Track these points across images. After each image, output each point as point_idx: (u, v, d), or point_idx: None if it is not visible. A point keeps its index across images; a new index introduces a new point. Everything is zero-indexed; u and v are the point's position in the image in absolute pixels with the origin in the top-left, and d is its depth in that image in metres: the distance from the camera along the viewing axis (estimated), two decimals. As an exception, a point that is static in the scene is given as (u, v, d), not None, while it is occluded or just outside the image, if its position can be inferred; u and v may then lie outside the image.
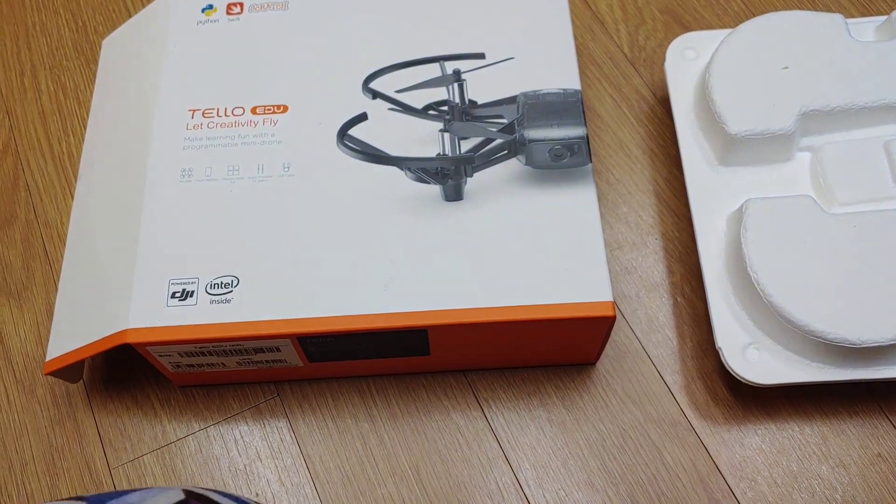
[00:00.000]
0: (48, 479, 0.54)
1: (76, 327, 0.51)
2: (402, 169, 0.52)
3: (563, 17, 0.57)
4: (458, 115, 0.54)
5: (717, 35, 0.61)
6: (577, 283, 0.49)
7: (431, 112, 0.54)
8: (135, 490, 0.39)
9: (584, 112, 0.53)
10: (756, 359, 0.51)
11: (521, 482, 0.52)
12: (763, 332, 0.51)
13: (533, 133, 0.53)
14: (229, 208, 0.52)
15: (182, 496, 0.39)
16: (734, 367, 0.51)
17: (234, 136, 0.54)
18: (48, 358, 0.52)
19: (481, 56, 0.56)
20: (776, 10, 0.68)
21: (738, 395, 0.54)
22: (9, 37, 0.70)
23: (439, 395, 0.55)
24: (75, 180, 0.63)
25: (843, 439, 0.53)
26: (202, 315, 0.49)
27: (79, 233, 0.55)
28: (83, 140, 0.65)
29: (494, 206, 0.51)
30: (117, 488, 0.54)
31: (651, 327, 0.56)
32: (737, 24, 0.67)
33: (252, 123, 0.54)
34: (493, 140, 0.53)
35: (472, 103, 0.54)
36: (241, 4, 0.59)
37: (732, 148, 0.55)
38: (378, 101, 0.55)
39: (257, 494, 0.53)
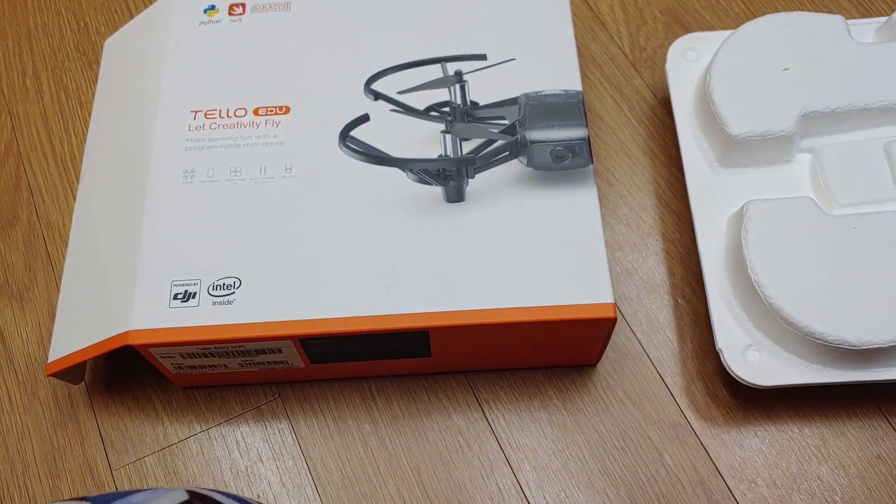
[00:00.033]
0: (50, 480, 0.54)
1: (78, 329, 0.51)
2: (403, 170, 0.52)
3: (564, 18, 0.57)
4: (459, 116, 0.54)
5: (718, 36, 0.61)
6: (578, 285, 0.49)
7: (433, 113, 0.54)
8: (139, 490, 0.39)
9: (585, 113, 0.53)
10: (756, 360, 0.51)
11: (521, 484, 0.53)
12: (763, 333, 0.51)
13: (534, 134, 0.53)
14: (231, 210, 0.52)
15: (186, 496, 0.39)
16: (734, 369, 0.51)
17: (236, 138, 0.54)
18: (50, 359, 0.52)
19: (483, 57, 0.56)
20: (777, 11, 0.68)
21: (738, 396, 0.54)
22: (10, 37, 0.70)
23: (440, 396, 0.55)
24: (77, 181, 0.63)
25: (843, 441, 0.53)
26: (204, 316, 0.49)
27: (81, 234, 0.55)
28: (85, 141, 0.65)
29: (496, 208, 0.51)
30: (119, 489, 0.54)
31: (651, 329, 0.57)
32: (737, 26, 0.67)
33: (254, 125, 0.54)
34: (494, 141, 0.53)
35: (474, 104, 0.54)
36: (244, 5, 0.59)
37: (733, 149, 0.55)
38: (380, 102, 0.55)
39: (259, 496, 0.53)
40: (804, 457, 0.52)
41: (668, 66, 0.61)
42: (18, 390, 0.57)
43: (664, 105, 0.64)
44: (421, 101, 0.55)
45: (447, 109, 0.54)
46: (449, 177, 0.52)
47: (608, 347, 0.56)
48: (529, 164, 0.52)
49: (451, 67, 0.56)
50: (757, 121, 0.55)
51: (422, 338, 0.50)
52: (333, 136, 0.54)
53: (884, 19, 0.60)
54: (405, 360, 0.53)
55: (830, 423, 0.53)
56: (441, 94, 0.55)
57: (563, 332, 0.50)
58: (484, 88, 0.55)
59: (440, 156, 0.53)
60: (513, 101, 0.54)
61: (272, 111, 0.55)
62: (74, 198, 0.63)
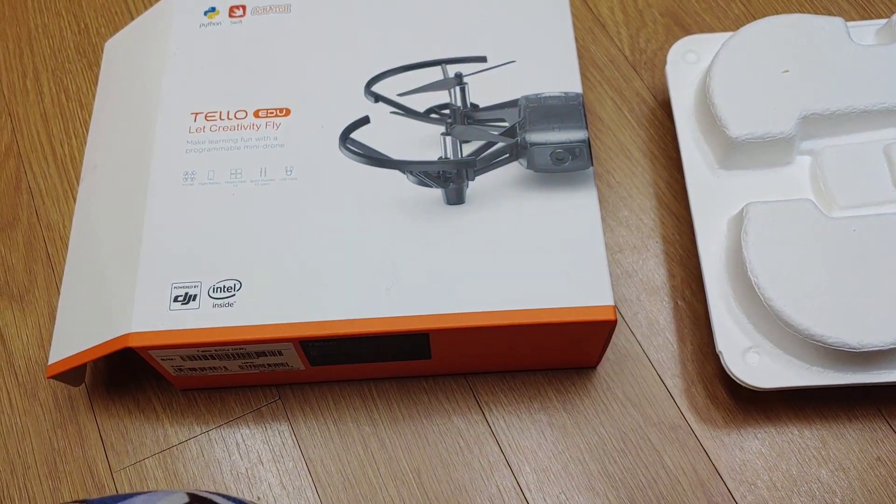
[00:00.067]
0: (50, 482, 0.54)
1: (79, 331, 0.51)
2: (403, 172, 0.52)
3: (564, 20, 0.57)
4: (459, 118, 0.54)
5: (718, 38, 0.61)
6: (578, 287, 0.49)
7: (433, 115, 0.54)
8: (139, 493, 0.39)
9: (585, 116, 0.54)
10: (756, 363, 0.51)
11: (521, 486, 0.53)
12: (763, 335, 0.52)
13: (534, 136, 0.53)
14: (232, 212, 0.52)
15: (186, 499, 0.39)
16: (734, 371, 0.51)
17: (236, 140, 0.54)
18: (50, 361, 0.52)
19: (483, 59, 0.56)
20: (777, 13, 0.68)
21: (738, 398, 0.54)
22: (11, 39, 0.70)
23: (440, 398, 0.55)
24: (77, 183, 0.63)
25: (843, 443, 0.53)
26: (205, 319, 0.49)
27: (81, 236, 0.55)
28: (85, 142, 0.65)
29: (496, 210, 0.51)
30: (119, 492, 0.54)
31: (651, 331, 0.57)
32: (737, 28, 0.67)
33: (254, 127, 0.54)
34: (494, 143, 0.53)
35: (474, 107, 0.54)
36: (244, 7, 0.59)
37: (733, 151, 0.55)
38: (380, 104, 0.55)
39: (259, 498, 0.53)
40: (804, 459, 0.52)
41: (668, 68, 0.61)
42: (18, 392, 0.57)
43: (664, 107, 0.64)
44: (421, 103, 0.55)
45: (447, 111, 0.54)
46: (449, 179, 0.52)
47: (608, 349, 0.56)
48: (529, 166, 0.52)
49: (452, 69, 0.56)
50: (757, 123, 0.55)
51: (422, 340, 0.50)
52: (334, 138, 0.54)
53: (883, 21, 0.60)
54: (405, 362, 0.53)
55: (830, 426, 0.53)
56: (441, 97, 0.55)
57: (563, 334, 0.50)
58: (484, 90, 0.55)
59: (440, 158, 0.53)
60: (513, 104, 0.54)
61: (272, 113, 0.55)
62: (75, 199, 0.63)
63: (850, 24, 0.60)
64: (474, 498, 0.52)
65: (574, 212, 0.51)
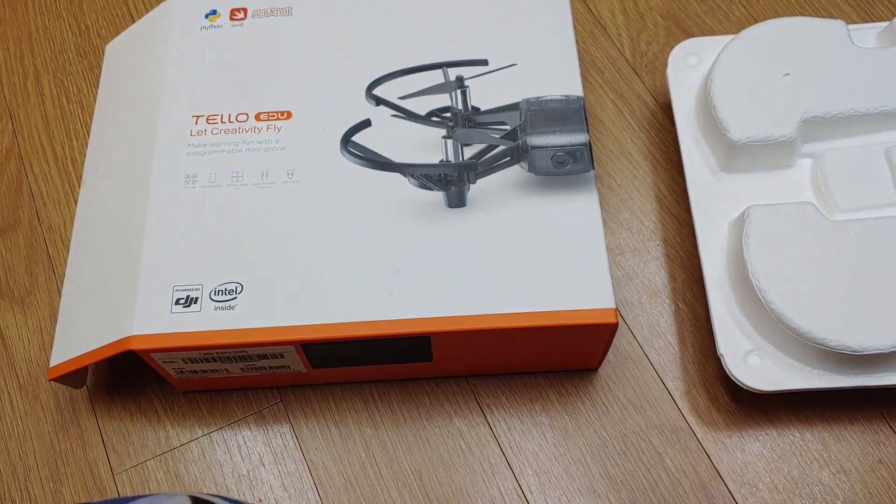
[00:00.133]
0: (52, 484, 0.54)
1: (80, 333, 0.51)
2: (405, 175, 0.52)
3: (565, 23, 0.57)
4: (460, 121, 0.54)
5: (719, 41, 0.61)
6: (580, 290, 0.49)
7: (434, 118, 0.54)
8: (141, 496, 0.39)
9: (586, 118, 0.54)
10: (757, 365, 0.51)
11: (523, 488, 0.53)
12: (764, 338, 0.52)
13: (535, 140, 0.53)
14: (233, 215, 0.52)
15: (188, 502, 0.39)
16: (735, 374, 0.51)
17: (237, 143, 0.54)
18: (52, 364, 0.52)
19: (484, 62, 0.56)
20: (778, 16, 0.68)
21: (739, 401, 0.54)
22: (12, 41, 0.70)
23: (442, 401, 0.55)
24: (78, 185, 0.63)
25: (844, 445, 0.53)
26: (206, 322, 0.49)
27: (83, 238, 0.55)
28: (86, 145, 0.65)
29: (497, 213, 0.51)
30: (121, 494, 0.54)
31: (653, 333, 0.57)
32: (738, 31, 0.67)
33: (256, 130, 0.54)
34: (495, 147, 0.53)
35: (475, 110, 0.54)
36: (245, 10, 0.59)
37: (734, 154, 0.55)
38: (381, 107, 0.55)
39: (260, 500, 0.53)
40: (806, 461, 0.52)
41: (669, 70, 0.61)
42: (20, 394, 0.57)
43: (665, 110, 0.64)
44: (422, 106, 0.55)
45: (448, 115, 0.54)
46: (450, 182, 0.52)
47: (609, 352, 0.56)
48: (531, 169, 0.52)
49: (453, 73, 0.56)
50: (758, 126, 0.55)
51: (423, 343, 0.50)
52: (335, 142, 0.54)
53: (885, 24, 0.60)
54: (407, 365, 0.53)
55: (832, 428, 0.53)
56: (442, 100, 0.55)
57: (564, 337, 0.50)
58: (485, 94, 0.55)
59: (441, 161, 0.53)
60: (514, 107, 0.54)
61: (274, 116, 0.55)
62: (76, 202, 0.63)
63: (851, 27, 0.60)
64: (475, 500, 0.52)
65: (575, 215, 0.51)
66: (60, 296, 0.59)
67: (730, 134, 0.55)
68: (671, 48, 0.66)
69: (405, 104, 0.55)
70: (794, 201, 0.54)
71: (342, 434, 0.55)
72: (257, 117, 0.55)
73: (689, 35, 0.67)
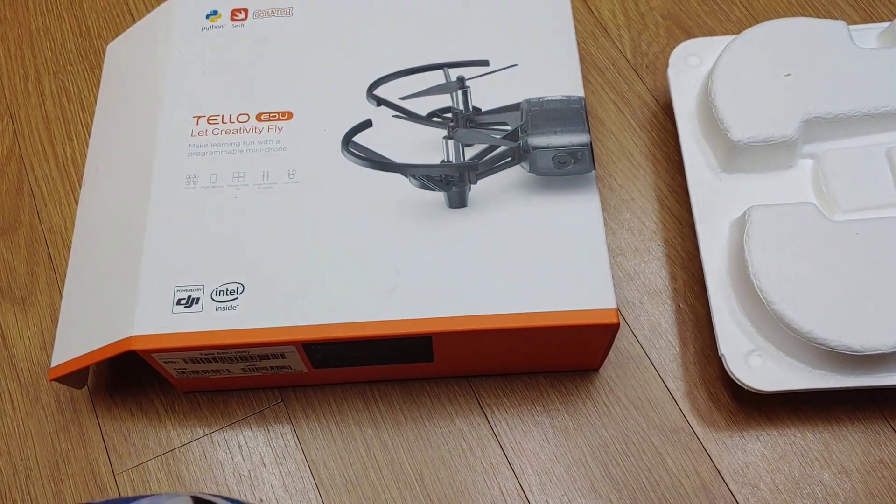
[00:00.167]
0: (53, 484, 0.54)
1: (81, 333, 0.51)
2: (406, 176, 0.52)
3: (566, 24, 0.57)
4: (462, 122, 0.54)
5: (720, 41, 0.61)
6: (581, 290, 0.49)
7: (435, 119, 0.54)
8: (142, 496, 0.39)
9: (587, 119, 0.54)
10: (759, 365, 0.51)
11: (524, 488, 0.53)
12: (766, 338, 0.52)
13: (536, 140, 0.53)
14: (234, 215, 0.52)
15: (190, 502, 0.39)
16: (737, 374, 0.51)
17: (238, 143, 0.54)
18: (53, 364, 0.52)
19: (485, 63, 0.56)
20: (778, 16, 0.68)
21: (740, 401, 0.54)
22: (12, 41, 0.70)
23: (443, 401, 0.55)
24: (79, 185, 0.63)
25: (846, 445, 0.53)
26: (208, 322, 0.49)
27: (84, 238, 0.55)
28: (87, 145, 0.65)
29: (498, 213, 0.51)
30: (122, 494, 0.54)
31: (654, 333, 0.57)
32: (739, 31, 0.67)
33: (257, 130, 0.54)
34: (496, 147, 0.53)
35: (476, 110, 0.54)
36: (246, 10, 0.59)
37: (735, 154, 0.55)
38: (382, 108, 0.55)
39: (261, 500, 0.53)
40: (807, 461, 0.52)
41: (670, 71, 0.61)
42: (21, 394, 0.57)
43: (666, 110, 0.64)
44: (423, 106, 0.55)
45: (449, 115, 0.54)
46: (451, 182, 0.52)
47: (610, 352, 0.56)
48: (532, 169, 0.52)
49: (454, 73, 0.56)
50: (759, 126, 0.55)
51: (425, 343, 0.50)
52: (336, 142, 0.54)
53: (885, 25, 0.60)
54: (408, 365, 0.53)
55: (833, 428, 0.53)
56: (443, 100, 0.55)
57: (565, 337, 0.50)
58: (486, 94, 0.55)
59: (442, 161, 0.53)
60: (515, 107, 0.54)
61: (275, 116, 0.55)
62: (76, 202, 0.63)
63: (852, 27, 0.60)
64: (477, 500, 0.52)
65: (576, 215, 0.51)
66: (61, 296, 0.59)
67: (731, 134, 0.55)
68: (672, 49, 0.66)
69: (406, 104, 0.55)
70: (796, 202, 0.54)
71: (343, 434, 0.55)
72: (258, 118, 0.55)
73: (690, 35, 0.67)
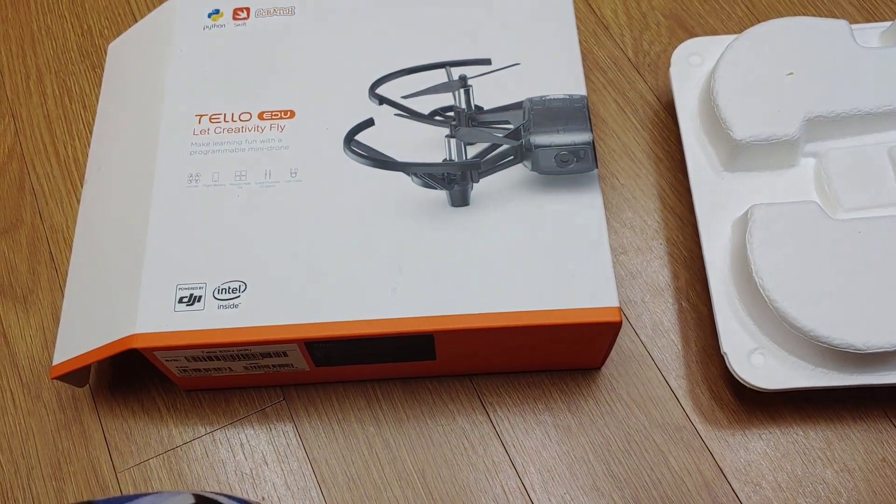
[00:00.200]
0: (54, 482, 0.54)
1: (83, 332, 0.51)
2: (408, 174, 0.52)
3: (568, 23, 0.57)
4: (464, 120, 0.54)
5: (722, 41, 0.61)
6: (583, 289, 0.49)
7: (438, 118, 0.54)
8: (145, 494, 0.39)
9: (589, 118, 0.54)
10: (761, 364, 0.51)
11: (526, 486, 0.53)
12: (768, 337, 0.52)
13: (539, 139, 0.53)
14: (237, 214, 0.52)
15: (192, 500, 0.39)
16: (739, 372, 0.51)
17: (241, 142, 0.54)
18: (55, 362, 0.52)
19: (487, 62, 0.56)
20: (780, 15, 0.68)
21: (742, 399, 0.54)
22: (14, 40, 0.70)
23: (445, 399, 0.55)
24: (81, 184, 0.63)
25: (848, 444, 0.53)
26: (210, 320, 0.49)
27: (85, 237, 0.55)
28: (89, 144, 0.65)
29: (500, 212, 0.51)
30: (123, 492, 0.54)
31: (656, 332, 0.57)
32: (741, 30, 0.67)
33: (259, 129, 0.54)
34: (499, 146, 0.53)
35: (479, 109, 0.54)
36: (248, 9, 0.59)
37: (737, 153, 0.55)
38: (384, 106, 0.55)
39: (263, 499, 0.53)
40: (809, 460, 0.52)
41: (672, 70, 0.61)
42: (22, 393, 0.57)
43: (668, 109, 0.64)
44: (426, 105, 0.55)
45: (452, 114, 0.54)
46: (454, 181, 0.52)
47: (612, 351, 0.56)
48: (534, 168, 0.52)
49: (456, 72, 0.56)
50: (761, 125, 0.55)
51: (427, 341, 0.50)
52: (338, 141, 0.54)
53: (888, 24, 0.60)
54: (410, 363, 0.53)
55: (835, 427, 0.53)
56: (446, 99, 0.55)
57: (568, 335, 0.50)
58: (488, 93, 0.55)
59: (445, 160, 0.53)
60: (517, 106, 0.54)
61: (277, 115, 0.55)
62: (78, 201, 0.63)
63: (854, 26, 0.60)
64: (479, 498, 0.52)
65: (579, 213, 0.51)
66: (63, 294, 0.59)
67: (733, 133, 0.55)
68: (674, 48, 0.66)
69: (408, 103, 0.55)
70: (798, 200, 0.54)
71: (345, 432, 0.55)
72: (260, 116, 0.55)
73: (692, 35, 0.67)
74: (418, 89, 0.55)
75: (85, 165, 0.64)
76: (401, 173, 0.53)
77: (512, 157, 0.53)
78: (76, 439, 0.55)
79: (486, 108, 0.54)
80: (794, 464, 0.52)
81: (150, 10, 0.71)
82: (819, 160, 0.56)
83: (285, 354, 0.51)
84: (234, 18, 0.59)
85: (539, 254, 0.50)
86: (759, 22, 0.67)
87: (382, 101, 0.55)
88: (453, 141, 0.53)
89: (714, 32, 0.67)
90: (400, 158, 0.53)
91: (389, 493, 0.53)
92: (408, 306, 0.49)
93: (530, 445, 0.54)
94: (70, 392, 0.56)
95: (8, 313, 0.59)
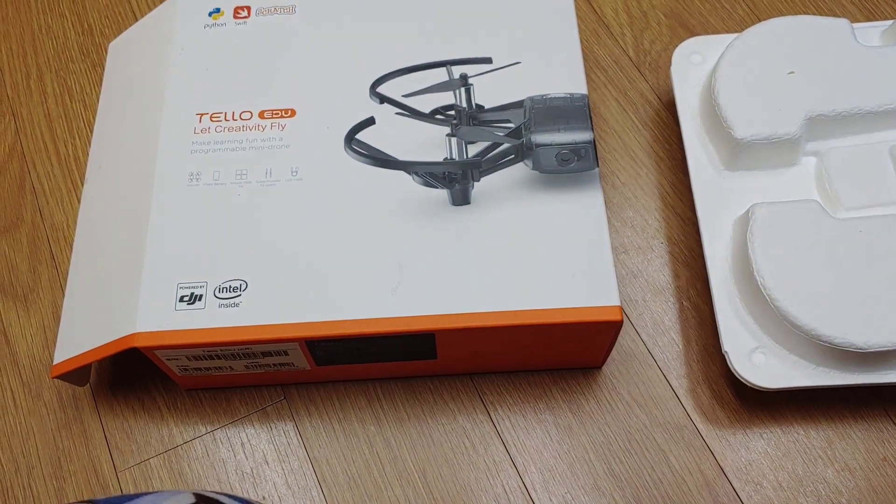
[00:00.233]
0: (55, 482, 0.54)
1: (84, 331, 0.51)
2: (409, 173, 0.52)
3: (569, 22, 0.57)
4: (465, 119, 0.54)
5: (723, 39, 0.61)
6: (585, 288, 0.49)
7: (438, 116, 0.54)
8: (145, 493, 0.39)
9: (590, 117, 0.54)
10: (762, 363, 0.51)
11: (527, 486, 0.53)
12: (769, 336, 0.51)
13: (540, 137, 0.53)
14: (237, 212, 0.52)
15: (193, 499, 0.39)
16: (740, 371, 0.51)
17: (241, 141, 0.54)
18: (56, 361, 0.52)
19: (488, 60, 0.56)
20: (781, 14, 0.68)
21: (743, 398, 0.54)
22: (15, 40, 0.70)
23: (446, 398, 0.55)
24: (81, 183, 0.63)
25: (849, 443, 0.53)
26: (210, 319, 0.49)
27: (86, 236, 0.55)
28: (89, 143, 0.65)
29: (501, 211, 0.51)
30: (124, 491, 0.54)
31: (657, 331, 0.57)
32: (741, 29, 0.67)
33: (260, 128, 0.54)
34: (499, 144, 0.53)
35: (479, 108, 0.54)
36: (248, 8, 0.59)
37: (738, 152, 0.55)
38: (385, 105, 0.55)
39: (264, 498, 0.53)
40: (810, 459, 0.52)
41: (673, 69, 0.61)
42: (23, 392, 0.57)
43: (669, 108, 0.64)
44: (426, 104, 0.55)
45: (452, 113, 0.54)
46: (454, 180, 0.52)
47: (613, 350, 0.56)
48: (535, 167, 0.52)
49: (457, 71, 0.56)
50: (762, 124, 0.55)
51: (427, 340, 0.50)
52: (339, 140, 0.54)
53: (889, 23, 0.60)
54: (411, 362, 0.53)
55: (836, 426, 0.53)
56: (446, 98, 0.55)
57: (569, 334, 0.50)
58: (489, 92, 0.55)
59: (445, 159, 0.53)
60: (518, 105, 0.54)
61: (278, 114, 0.55)
62: (78, 200, 0.63)
63: (855, 25, 0.60)
64: (480, 497, 0.52)
65: (579, 212, 0.51)
66: (63, 293, 0.59)
67: (734, 132, 0.55)
68: (674, 47, 0.66)
69: (409, 102, 0.55)
70: (799, 199, 0.54)
71: (346, 431, 0.54)
72: (261, 115, 0.55)
73: (693, 34, 0.67)
74: (419, 88, 0.55)
75: (85, 164, 0.64)
76: (402, 172, 0.53)
77: (513, 156, 0.53)
78: (76, 438, 0.55)
79: (486, 106, 0.54)
80: (795, 463, 0.52)
81: (150, 9, 0.71)
82: (820, 159, 0.56)
83: (286, 353, 0.50)
84: (235, 17, 0.59)
85: (540, 253, 0.50)
86: (760, 21, 0.67)
87: (383, 99, 0.55)
88: (454, 140, 0.53)
89: (715, 31, 0.67)
90: (401, 157, 0.53)
91: (390, 493, 0.53)
92: (409, 305, 0.49)
93: (531, 445, 0.54)
94: (70, 391, 0.56)
95: (8, 312, 0.59)
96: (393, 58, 0.57)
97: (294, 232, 0.51)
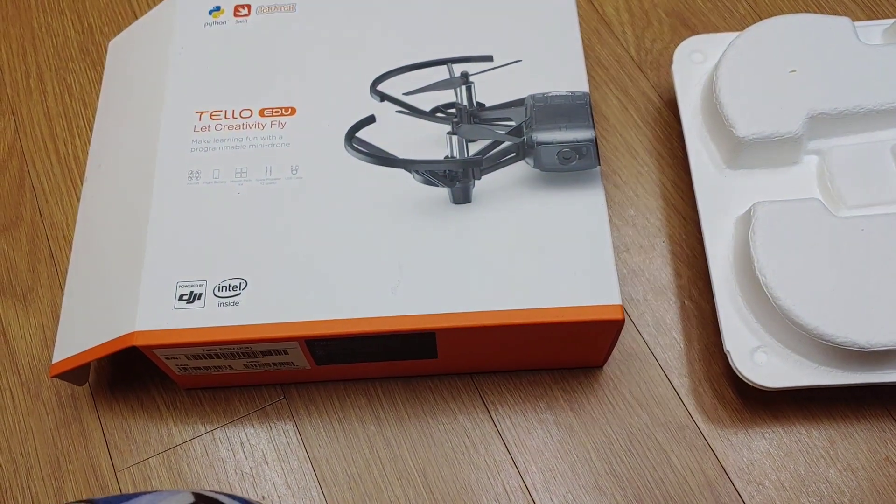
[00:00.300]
0: (53, 481, 0.54)
1: (83, 330, 0.51)
2: (410, 171, 0.52)
3: (570, 20, 0.57)
4: (465, 117, 0.54)
5: (725, 38, 0.61)
6: (586, 287, 0.49)
7: (439, 114, 0.54)
8: (144, 493, 0.39)
9: (592, 115, 0.53)
10: (764, 362, 0.51)
11: (528, 485, 0.52)
12: (771, 335, 0.51)
13: (541, 136, 0.53)
14: (237, 211, 0.52)
15: (192, 499, 0.39)
16: (742, 371, 0.51)
17: (241, 139, 0.54)
18: (54, 360, 0.52)
19: (489, 58, 0.56)
20: (782, 13, 0.68)
21: (745, 398, 0.54)
22: (14, 38, 0.70)
23: (446, 398, 0.55)
24: (81, 182, 0.63)
25: (851, 443, 0.53)
26: (210, 318, 0.48)
27: (85, 234, 0.55)
28: (89, 142, 0.65)
29: (502, 209, 0.51)
30: (123, 491, 0.53)
31: (658, 330, 0.56)
32: (743, 28, 0.67)
33: (260, 126, 0.54)
34: (501, 143, 0.53)
35: (480, 106, 0.54)
36: (249, 6, 0.59)
37: (740, 151, 0.55)
38: (386, 103, 0.55)
39: (263, 497, 0.53)
40: (812, 459, 0.52)
41: (675, 67, 0.61)
42: (22, 391, 0.56)
43: (670, 107, 0.64)
44: (427, 102, 0.55)
45: (453, 111, 0.54)
46: (455, 178, 0.52)
47: (615, 349, 0.56)
48: (536, 165, 0.52)
49: (458, 69, 0.56)
50: (764, 122, 0.54)
51: (428, 339, 0.50)
52: (339, 138, 0.54)
53: (890, 21, 0.60)
54: (411, 362, 0.53)
55: (838, 425, 0.53)
56: (447, 96, 0.55)
57: (570, 333, 0.50)
58: (490, 90, 0.55)
59: (446, 157, 0.53)
60: (519, 103, 0.54)
61: (278, 112, 0.55)
62: (78, 199, 0.63)
63: (856, 23, 0.60)
64: (480, 497, 0.52)
65: (581, 211, 0.51)
66: (62, 293, 0.59)
67: (736, 130, 0.55)
68: (676, 45, 0.66)
69: (410, 100, 0.55)
70: (801, 198, 0.54)
71: (346, 431, 0.54)
72: (261, 113, 0.55)
73: (694, 32, 0.67)
74: (420, 86, 0.55)
75: (85, 163, 0.64)
76: (402, 170, 0.52)
77: (514, 154, 0.53)
78: (75, 438, 0.55)
79: (487, 104, 0.54)
80: (797, 463, 0.52)
81: (150, 8, 0.71)
82: (822, 157, 0.56)
83: (286, 352, 0.50)
84: (236, 15, 0.59)
85: (541, 251, 0.50)
86: (762, 19, 0.66)
87: (384, 97, 0.55)
88: (455, 138, 0.53)
89: (716, 30, 0.67)
90: (401, 155, 0.53)
91: (390, 492, 0.53)
92: (409, 304, 0.49)
93: (532, 444, 0.53)
94: (69, 390, 0.56)
95: (7, 311, 0.59)
96: (393, 56, 0.56)
97: (294, 230, 0.51)
